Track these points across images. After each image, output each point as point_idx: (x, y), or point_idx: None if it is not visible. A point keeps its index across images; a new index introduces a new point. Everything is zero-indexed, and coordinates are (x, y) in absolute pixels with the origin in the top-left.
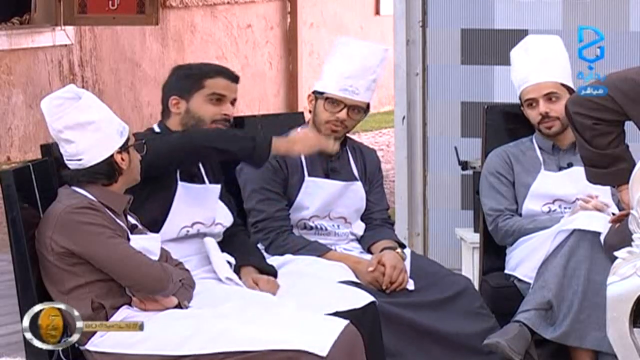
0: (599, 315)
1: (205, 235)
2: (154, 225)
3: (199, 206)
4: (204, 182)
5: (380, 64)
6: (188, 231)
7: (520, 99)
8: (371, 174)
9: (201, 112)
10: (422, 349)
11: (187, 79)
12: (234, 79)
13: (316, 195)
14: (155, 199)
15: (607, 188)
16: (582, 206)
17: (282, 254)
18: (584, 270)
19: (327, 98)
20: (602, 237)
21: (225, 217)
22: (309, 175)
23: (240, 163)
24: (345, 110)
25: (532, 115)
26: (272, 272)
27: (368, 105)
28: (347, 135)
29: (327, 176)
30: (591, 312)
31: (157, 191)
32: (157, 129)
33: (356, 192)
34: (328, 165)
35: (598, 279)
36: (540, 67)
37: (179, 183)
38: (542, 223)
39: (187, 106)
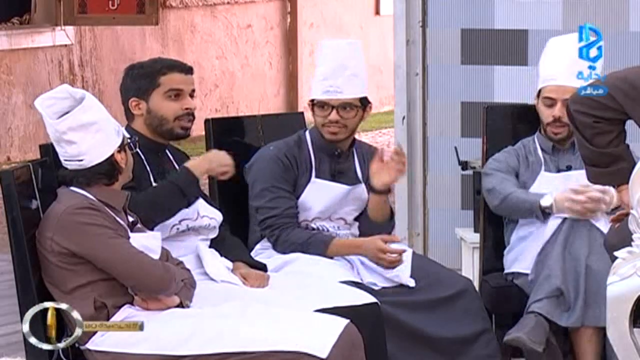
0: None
1: (194, 229)
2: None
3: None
4: None
5: (352, 57)
6: (178, 228)
7: (539, 92)
8: None
9: (162, 110)
10: (416, 354)
11: (142, 79)
12: (188, 70)
13: (321, 197)
14: None
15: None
16: (570, 208)
17: (289, 249)
18: (583, 254)
19: (315, 103)
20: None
21: (208, 210)
22: (317, 176)
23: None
24: (334, 111)
25: (545, 114)
26: (262, 267)
27: (363, 100)
28: (355, 137)
29: (333, 177)
30: (597, 290)
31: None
32: (125, 134)
33: (359, 195)
34: (335, 167)
35: (594, 258)
36: (569, 69)
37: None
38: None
39: (147, 106)
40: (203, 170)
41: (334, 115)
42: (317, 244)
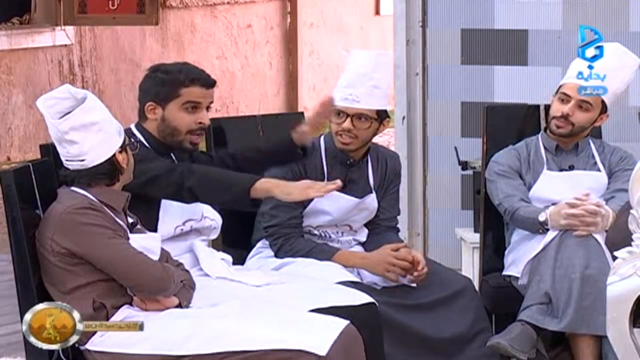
0: (603, 300)
1: (197, 230)
2: (148, 229)
3: (185, 203)
4: None
5: (377, 69)
6: (182, 229)
7: (558, 87)
8: (389, 179)
9: (176, 121)
10: (414, 354)
11: (163, 86)
12: (210, 85)
13: (330, 207)
14: (141, 204)
15: (599, 187)
16: (568, 224)
17: (291, 257)
18: (579, 259)
19: (333, 110)
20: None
21: (210, 212)
22: None
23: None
24: (349, 120)
25: (555, 108)
26: None
27: (381, 113)
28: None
29: (344, 187)
30: (596, 297)
31: (141, 197)
32: (134, 130)
33: (368, 206)
34: (347, 176)
35: (595, 265)
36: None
37: None
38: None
39: (163, 114)
40: (266, 188)
41: (347, 124)
42: (320, 254)
